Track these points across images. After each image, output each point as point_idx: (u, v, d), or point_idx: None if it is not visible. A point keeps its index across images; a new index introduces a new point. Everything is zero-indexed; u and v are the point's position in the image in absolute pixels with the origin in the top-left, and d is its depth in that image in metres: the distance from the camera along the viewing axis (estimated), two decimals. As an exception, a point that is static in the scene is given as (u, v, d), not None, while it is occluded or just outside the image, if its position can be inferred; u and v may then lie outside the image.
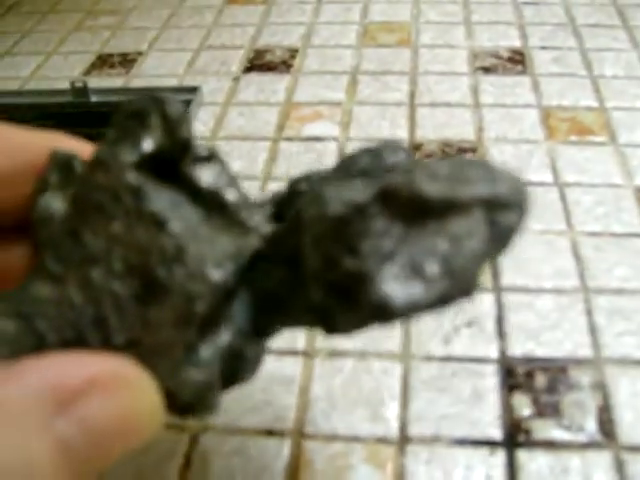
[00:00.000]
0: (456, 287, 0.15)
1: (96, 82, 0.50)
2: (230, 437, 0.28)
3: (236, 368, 0.17)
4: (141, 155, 0.18)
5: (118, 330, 0.16)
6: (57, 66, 0.54)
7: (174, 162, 0.18)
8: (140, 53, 0.54)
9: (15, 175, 0.19)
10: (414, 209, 0.15)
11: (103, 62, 0.53)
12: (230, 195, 0.18)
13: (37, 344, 0.16)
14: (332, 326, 0.16)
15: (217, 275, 0.16)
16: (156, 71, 0.52)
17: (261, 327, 0.17)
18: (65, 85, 0.50)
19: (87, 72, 0.52)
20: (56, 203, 0.18)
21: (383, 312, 0.15)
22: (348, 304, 0.15)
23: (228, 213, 0.18)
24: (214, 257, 0.16)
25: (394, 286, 0.15)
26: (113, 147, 0.18)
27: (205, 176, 0.18)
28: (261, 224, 0.18)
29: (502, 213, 0.15)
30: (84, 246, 0.17)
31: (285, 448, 0.28)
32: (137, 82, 0.51)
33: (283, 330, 0.18)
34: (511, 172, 0.16)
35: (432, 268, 0.15)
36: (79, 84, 0.47)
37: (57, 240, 0.17)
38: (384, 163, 0.18)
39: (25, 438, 0.13)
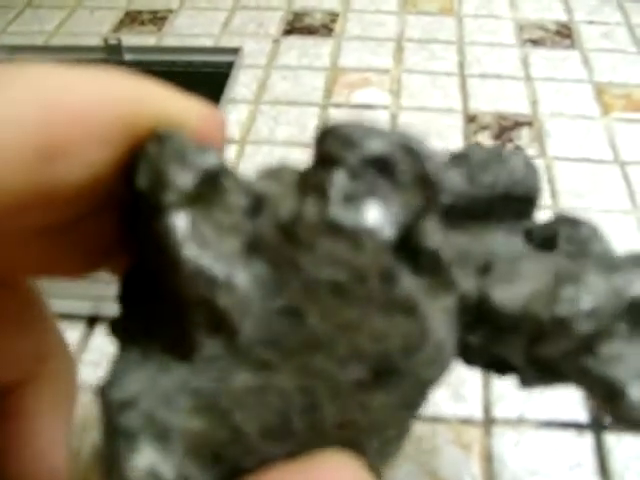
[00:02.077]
0: None
1: (127, 39, 0.48)
2: (307, 415, 0.27)
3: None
4: (399, 231, 0.13)
5: (331, 416, 0.14)
6: (83, 21, 0.51)
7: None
8: (171, 11, 0.52)
9: (88, 145, 0.13)
10: None
11: (132, 19, 0.51)
12: (445, 254, 0.15)
13: (231, 437, 0.14)
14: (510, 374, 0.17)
15: (450, 361, 0.15)
16: (190, 30, 0.49)
17: None
18: (94, 42, 0.47)
19: (116, 29, 0.50)
20: (217, 256, 0.13)
21: (632, 423, 0.15)
22: (551, 378, 0.16)
23: (438, 271, 0.15)
24: (445, 336, 0.15)
25: None
26: (354, 210, 0.13)
27: (430, 233, 0.14)
28: (464, 280, 0.16)
29: None
30: (306, 330, 0.13)
31: (366, 427, 0.26)
32: (170, 41, 0.48)
33: None
34: None
35: None
36: (113, 41, 0.45)
37: (260, 317, 0.13)
38: (587, 249, 0.17)
39: None
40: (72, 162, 0.13)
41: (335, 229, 0.12)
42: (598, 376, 0.16)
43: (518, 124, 0.41)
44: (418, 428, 0.26)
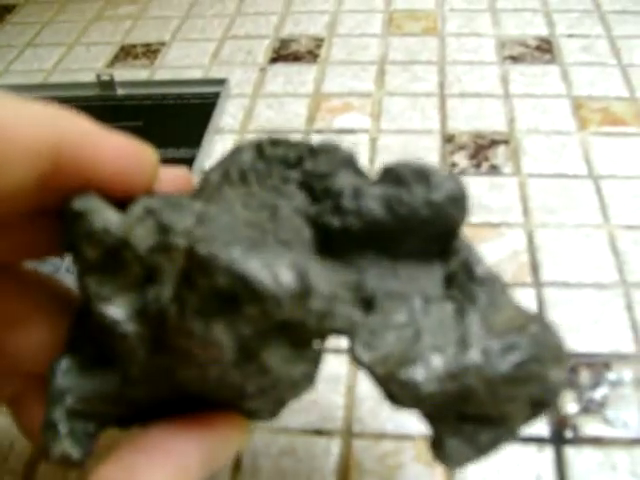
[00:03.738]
0: (497, 449, 0.19)
1: (120, 74, 0.50)
2: (279, 437, 0.28)
3: None
4: (240, 341, 0.16)
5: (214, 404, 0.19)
6: (80, 57, 0.53)
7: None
8: (163, 43, 0.54)
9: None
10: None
11: (127, 53, 0.53)
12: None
13: (128, 410, 0.19)
14: None
15: (309, 385, 0.19)
16: (181, 62, 0.51)
17: None
18: (90, 77, 0.49)
19: (111, 64, 0.52)
20: (118, 311, 0.17)
21: (446, 465, 0.19)
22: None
23: (306, 332, 0.17)
24: (301, 376, 0.18)
25: (456, 451, 0.18)
26: (206, 324, 0.16)
27: (294, 313, 0.16)
28: (341, 317, 0.18)
29: (543, 404, 0.18)
30: (178, 379, 0.17)
31: (334, 448, 0.28)
32: (162, 73, 0.50)
33: None
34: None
35: (484, 439, 0.18)
36: (105, 77, 0.47)
37: (144, 366, 0.17)
38: (469, 307, 0.19)
39: None
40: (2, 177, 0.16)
41: (188, 335, 0.16)
42: (429, 425, 0.19)
43: (494, 142, 0.42)
44: (383, 445, 0.28)
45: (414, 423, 0.28)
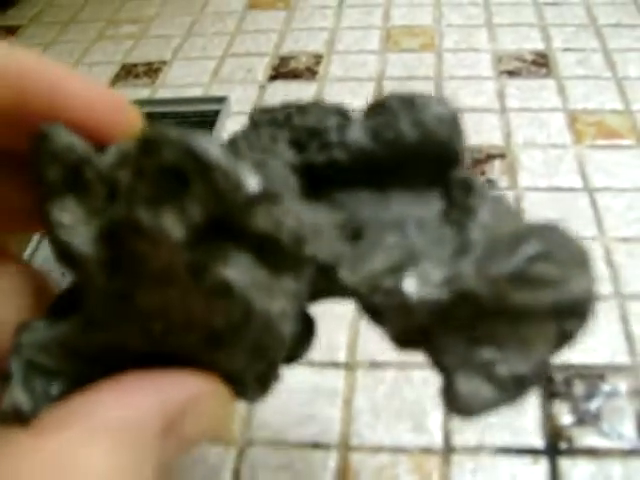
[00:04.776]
0: (523, 390, 0.15)
1: (122, 93, 0.50)
2: (276, 451, 0.29)
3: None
4: (191, 231, 0.14)
5: (187, 361, 0.16)
6: (83, 77, 0.54)
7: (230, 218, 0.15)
8: (164, 62, 0.55)
9: None
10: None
11: (128, 72, 0.54)
12: (289, 237, 0.15)
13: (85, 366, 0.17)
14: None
15: (291, 329, 0.16)
16: (182, 81, 0.52)
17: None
18: (92, 96, 0.50)
19: (113, 83, 0.53)
20: (79, 237, 0.16)
21: (460, 412, 0.16)
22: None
23: (279, 255, 0.15)
24: (279, 312, 0.16)
25: (469, 390, 0.15)
26: (155, 213, 0.14)
27: (261, 221, 0.15)
28: (324, 249, 0.16)
29: (569, 321, 0.15)
30: (136, 306, 0.16)
31: (331, 461, 0.28)
32: (163, 92, 0.51)
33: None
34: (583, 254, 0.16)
35: (503, 371, 0.15)
36: (107, 96, 0.48)
37: (100, 291, 0.16)
38: (468, 221, 0.16)
39: (138, 461, 0.14)
40: None
41: (136, 228, 0.14)
42: (435, 362, 0.16)
43: (491, 157, 0.42)
44: (379, 458, 0.28)
45: (411, 436, 0.29)
